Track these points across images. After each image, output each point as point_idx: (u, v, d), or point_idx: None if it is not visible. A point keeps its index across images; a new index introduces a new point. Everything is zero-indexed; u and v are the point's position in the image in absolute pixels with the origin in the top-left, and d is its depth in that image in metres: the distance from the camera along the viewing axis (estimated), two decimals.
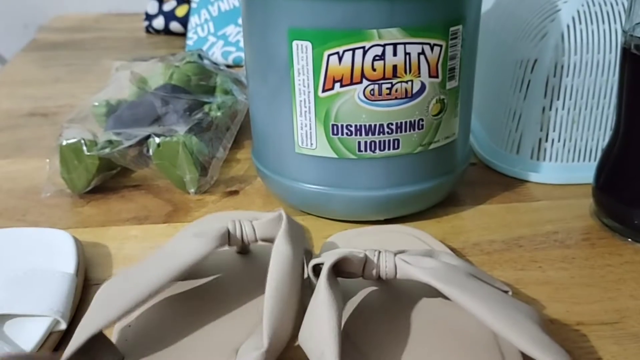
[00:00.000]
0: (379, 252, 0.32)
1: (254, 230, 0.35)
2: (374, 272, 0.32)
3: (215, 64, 0.66)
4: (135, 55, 0.75)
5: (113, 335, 0.32)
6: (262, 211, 0.46)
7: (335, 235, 0.42)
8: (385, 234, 0.41)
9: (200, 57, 0.66)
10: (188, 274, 0.32)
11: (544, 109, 0.49)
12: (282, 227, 0.33)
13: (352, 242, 0.40)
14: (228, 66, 0.78)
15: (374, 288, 0.35)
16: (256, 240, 0.35)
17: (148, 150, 0.49)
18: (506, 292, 0.33)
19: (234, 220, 0.35)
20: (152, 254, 0.34)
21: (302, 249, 0.35)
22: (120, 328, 0.33)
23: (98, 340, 0.29)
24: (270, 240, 0.34)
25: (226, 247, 0.35)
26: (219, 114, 0.55)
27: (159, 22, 0.96)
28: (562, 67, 0.47)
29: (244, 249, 0.39)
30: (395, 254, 0.32)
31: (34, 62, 0.86)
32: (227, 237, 0.34)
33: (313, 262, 0.32)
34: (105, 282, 0.32)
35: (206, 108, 0.55)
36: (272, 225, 0.35)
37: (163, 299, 0.35)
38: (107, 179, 0.51)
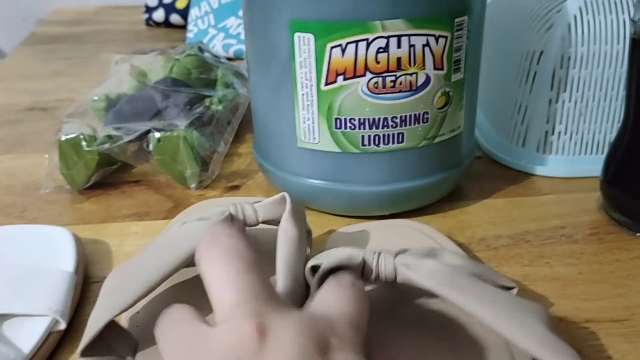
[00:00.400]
0: (379, 254, 0.31)
1: (256, 212, 0.35)
2: (372, 276, 0.31)
3: (216, 56, 0.66)
4: (135, 49, 0.75)
5: (123, 323, 0.32)
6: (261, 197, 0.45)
7: (341, 230, 0.41)
8: (391, 228, 0.41)
9: (200, 49, 0.65)
10: (190, 260, 0.32)
11: (550, 101, 0.48)
12: (287, 209, 0.34)
13: (357, 237, 0.40)
14: (229, 59, 0.77)
15: (378, 289, 0.34)
16: (257, 223, 0.35)
17: (148, 146, 0.48)
18: (512, 288, 0.32)
19: (235, 203, 0.35)
20: (154, 242, 0.34)
21: (305, 229, 0.35)
22: (129, 315, 0.32)
23: (111, 328, 0.29)
24: (272, 222, 0.35)
25: None
26: (220, 107, 0.54)
27: (159, 15, 0.95)
28: (569, 58, 0.46)
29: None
30: (395, 256, 0.31)
31: (33, 56, 0.85)
32: (231, 221, 0.34)
33: (311, 263, 0.31)
34: (112, 271, 0.32)
35: (207, 102, 0.54)
36: (274, 207, 0.35)
37: (168, 285, 0.35)
38: (107, 174, 0.50)
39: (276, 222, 0.35)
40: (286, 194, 0.35)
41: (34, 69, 0.80)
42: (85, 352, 0.28)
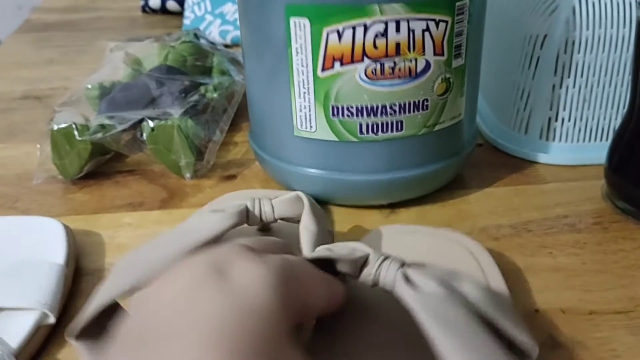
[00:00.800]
0: (385, 258, 0.27)
1: (273, 208, 0.35)
2: (371, 278, 0.27)
3: (212, 43, 0.64)
4: (131, 36, 0.73)
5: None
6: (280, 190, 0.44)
7: (384, 228, 0.37)
8: (437, 239, 0.36)
9: (196, 36, 0.64)
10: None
11: (553, 86, 0.47)
12: (306, 206, 0.34)
13: (395, 239, 0.36)
14: (226, 46, 0.76)
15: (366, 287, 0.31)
16: (275, 220, 0.35)
17: (142, 135, 0.47)
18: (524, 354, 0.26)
19: (253, 198, 0.35)
20: (171, 230, 0.33)
21: (325, 228, 0.35)
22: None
23: (113, 311, 0.28)
24: (289, 220, 0.35)
25: (246, 225, 0.35)
26: (215, 95, 0.53)
27: (155, 1, 0.93)
28: (573, 42, 0.45)
29: (264, 227, 0.38)
30: (402, 266, 0.27)
31: (27, 44, 0.84)
32: (246, 215, 0.34)
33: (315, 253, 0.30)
34: (123, 256, 0.31)
35: (202, 89, 0.53)
36: (291, 205, 0.34)
37: None
38: (100, 164, 0.49)
39: (293, 220, 0.35)
40: (300, 193, 0.35)
41: (28, 57, 0.79)
42: (81, 335, 0.27)
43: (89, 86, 0.54)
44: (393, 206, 0.43)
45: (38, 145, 0.48)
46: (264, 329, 0.20)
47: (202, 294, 0.21)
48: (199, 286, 0.21)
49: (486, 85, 0.54)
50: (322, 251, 0.28)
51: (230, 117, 0.54)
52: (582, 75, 0.46)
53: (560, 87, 0.47)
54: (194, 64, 0.59)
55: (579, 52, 0.45)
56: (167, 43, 0.61)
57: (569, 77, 0.46)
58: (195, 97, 0.51)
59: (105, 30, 0.88)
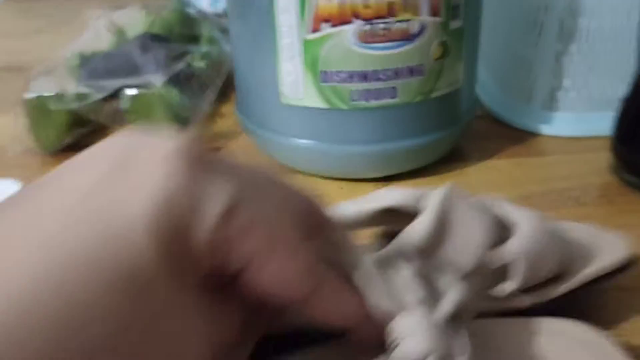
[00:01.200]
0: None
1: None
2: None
3: (201, 12, 0.62)
4: (119, 5, 0.71)
5: None
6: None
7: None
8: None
9: (185, 4, 0.61)
10: None
11: (557, 54, 0.45)
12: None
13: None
14: (218, 16, 0.73)
15: None
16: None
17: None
18: None
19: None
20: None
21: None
22: None
23: None
24: None
25: None
26: (202, 64, 0.50)
27: None
28: (578, 7, 0.43)
29: None
30: None
31: (13, 14, 0.82)
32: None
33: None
34: None
35: (188, 58, 0.51)
36: None
37: None
38: (81, 136, 0.47)
39: None
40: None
41: (13, 27, 0.76)
42: None
43: (69, 55, 0.52)
44: (387, 179, 0.41)
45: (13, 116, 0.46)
46: (122, 272, 0.14)
47: (75, 194, 0.15)
48: (88, 180, 0.15)
49: (487, 52, 0.52)
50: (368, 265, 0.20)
51: (218, 87, 0.51)
52: (587, 42, 0.44)
53: (565, 54, 0.45)
54: (181, 33, 0.56)
55: (584, 16, 0.43)
56: (153, 11, 0.58)
57: (573, 43, 0.44)
58: (180, 66, 0.49)
59: (94, 0, 0.85)
